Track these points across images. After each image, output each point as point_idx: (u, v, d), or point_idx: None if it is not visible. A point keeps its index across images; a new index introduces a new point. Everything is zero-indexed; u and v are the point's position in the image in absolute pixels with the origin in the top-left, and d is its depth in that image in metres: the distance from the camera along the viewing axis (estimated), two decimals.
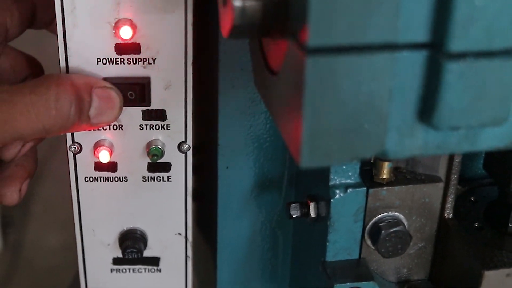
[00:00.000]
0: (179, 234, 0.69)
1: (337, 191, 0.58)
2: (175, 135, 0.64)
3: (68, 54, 0.60)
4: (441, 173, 0.60)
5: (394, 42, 0.41)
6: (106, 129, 0.63)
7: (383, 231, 0.59)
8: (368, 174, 0.59)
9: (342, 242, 0.60)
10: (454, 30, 0.40)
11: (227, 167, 0.67)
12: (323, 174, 0.59)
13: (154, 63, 0.60)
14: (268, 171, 0.69)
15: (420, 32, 0.41)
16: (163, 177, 0.66)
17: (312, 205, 0.61)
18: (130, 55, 0.60)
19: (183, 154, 0.65)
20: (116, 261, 0.72)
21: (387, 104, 0.43)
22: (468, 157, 0.65)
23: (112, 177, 0.66)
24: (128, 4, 0.57)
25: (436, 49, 0.41)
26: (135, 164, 0.65)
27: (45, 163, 3.02)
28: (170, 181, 0.66)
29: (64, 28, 0.59)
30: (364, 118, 0.43)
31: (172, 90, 0.61)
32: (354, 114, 0.42)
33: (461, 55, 0.41)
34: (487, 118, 0.45)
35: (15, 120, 0.56)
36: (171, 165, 0.66)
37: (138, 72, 0.60)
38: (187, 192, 0.67)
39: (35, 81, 0.58)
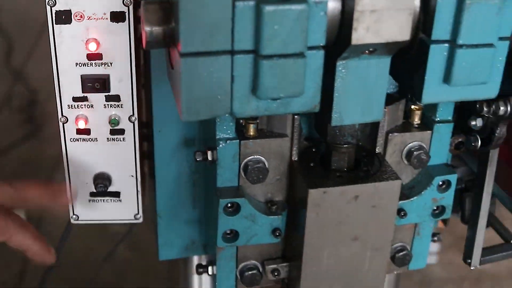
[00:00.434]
0: (132, 176, 0.90)
1: (221, 143, 0.80)
2: (126, 111, 0.83)
3: (57, 60, 0.81)
4: (288, 131, 0.82)
5: (232, 50, 0.64)
6: (83, 107, 0.85)
7: (249, 167, 0.81)
8: (241, 132, 0.81)
9: (227, 175, 0.81)
10: (264, 42, 0.63)
11: (159, 131, 0.89)
12: (213, 132, 0.81)
13: (111, 66, 0.80)
14: (187, 133, 0.91)
15: (247, 43, 0.64)
16: (120, 138, 0.85)
17: (209, 153, 0.82)
18: (96, 60, 0.80)
19: (132, 123, 0.84)
20: (92, 194, 0.89)
21: (230, 85, 0.66)
22: (311, 124, 0.87)
23: (87, 138, 0.85)
24: (94, 29, 0.79)
25: (256, 53, 0.64)
26: (101, 130, 0.84)
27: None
28: (124, 141, 0.87)
29: (55, 44, 0.80)
30: (217, 92, 0.66)
31: (123, 83, 0.83)
32: (211, 90, 0.65)
33: (270, 56, 0.64)
34: (290, 92, 0.67)
35: None
36: (124, 130, 0.85)
37: (101, 71, 0.80)
38: (135, 148, 0.87)
39: None
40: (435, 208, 0.88)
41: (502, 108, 0.81)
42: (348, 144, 0.80)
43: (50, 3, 0.76)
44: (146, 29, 0.65)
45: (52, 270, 1.17)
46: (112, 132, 0.86)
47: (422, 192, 0.86)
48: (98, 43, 0.79)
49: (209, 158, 0.82)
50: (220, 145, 0.79)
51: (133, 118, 0.85)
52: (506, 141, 0.88)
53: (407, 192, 0.87)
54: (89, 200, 0.91)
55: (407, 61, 0.73)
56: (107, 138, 0.87)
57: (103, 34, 0.79)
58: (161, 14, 0.65)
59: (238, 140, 0.80)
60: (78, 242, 2.14)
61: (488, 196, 0.90)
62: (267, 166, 0.82)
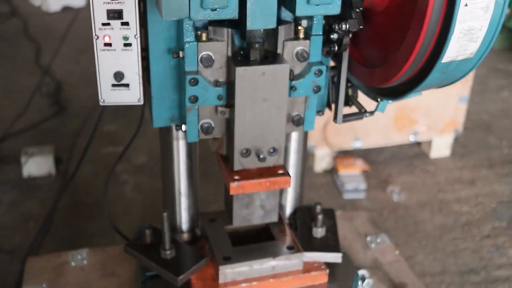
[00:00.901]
0: (136, 73, 1.28)
1: (187, 44, 1.19)
2: (133, 31, 1.21)
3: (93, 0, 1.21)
4: (225, 38, 1.23)
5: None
6: (107, 29, 1.23)
7: (203, 58, 1.21)
8: (199, 38, 1.21)
9: (190, 64, 1.19)
10: None
11: (152, 44, 1.29)
12: (182, 40, 1.20)
13: (124, 3, 1.22)
14: (168, 45, 1.27)
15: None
16: (129, 49, 1.23)
17: (180, 52, 1.18)
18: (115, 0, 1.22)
19: (136, 39, 1.18)
20: (112, 85, 1.24)
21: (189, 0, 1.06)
22: (240, 39, 1.26)
23: (110, 49, 1.21)
24: None
25: None
26: (118, 43, 1.21)
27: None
28: (132, 51, 1.25)
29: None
30: (181, 4, 1.06)
31: (131, 14, 1.21)
32: (178, 2, 1.06)
33: None
34: (220, 5, 1.08)
35: None
36: (131, 44, 1.20)
37: (118, 7, 1.20)
38: (138, 55, 1.22)
39: None
40: (314, 87, 1.29)
41: (343, 26, 1.22)
42: (258, 43, 1.20)
43: None
44: None
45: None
46: (125, 45, 1.23)
47: (306, 76, 1.27)
48: None
49: (180, 55, 1.22)
50: (186, 46, 1.20)
51: (137, 36, 1.23)
52: (353, 47, 1.29)
53: (297, 77, 1.28)
54: (111, 89, 1.29)
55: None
56: (121, 49, 1.24)
57: None
58: None
59: (196, 42, 1.20)
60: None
61: (344, 81, 1.31)
62: (213, 58, 1.22)
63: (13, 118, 3.67)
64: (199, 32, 1.20)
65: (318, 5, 1.13)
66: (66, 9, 5.55)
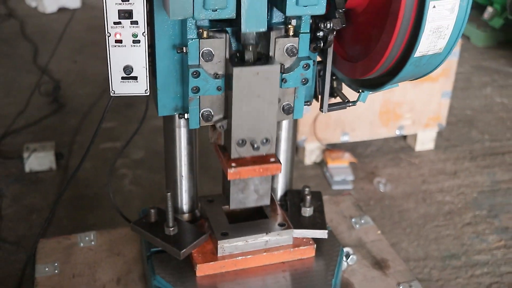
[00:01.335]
0: (143, 67, 1.44)
1: (190, 41, 1.37)
2: (141, 29, 1.36)
3: (106, 1, 1.37)
4: (223, 37, 1.40)
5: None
6: (118, 27, 1.39)
7: (204, 53, 1.37)
8: (200, 35, 1.38)
9: (193, 58, 1.35)
10: None
11: (159, 40, 1.45)
12: (186, 37, 1.36)
13: (133, 4, 1.38)
14: (173, 41, 1.44)
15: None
16: (137, 45, 1.38)
17: (184, 48, 1.35)
18: (126, 1, 1.38)
19: (144, 37, 1.36)
20: (122, 78, 1.38)
21: (192, 2, 1.23)
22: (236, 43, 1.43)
23: (121, 45, 1.36)
24: None
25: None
26: (128, 40, 1.37)
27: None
28: (140, 47, 1.41)
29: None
30: (186, 5, 1.22)
31: (140, 14, 1.38)
32: (184, 3, 1.22)
33: None
34: (220, 6, 1.25)
35: None
36: (140, 40, 1.34)
37: (128, 7, 1.36)
38: (146, 51, 1.39)
39: None
40: (303, 80, 1.45)
41: (328, 25, 1.38)
42: (252, 45, 1.37)
43: None
44: None
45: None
46: (134, 41, 1.39)
47: (295, 69, 1.43)
48: None
49: (184, 50, 1.38)
50: (189, 42, 1.36)
51: (144, 34, 1.39)
52: (338, 43, 1.45)
53: (287, 70, 1.44)
54: (121, 82, 1.44)
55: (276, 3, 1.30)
56: (131, 45, 1.39)
57: None
58: None
59: (198, 39, 1.36)
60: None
61: (329, 74, 1.48)
62: (213, 53, 1.39)
63: (14, 116, 3.82)
64: (200, 30, 1.36)
65: (306, 6, 1.30)
66: (62, 10, 5.69)
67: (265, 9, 1.30)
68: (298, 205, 1.69)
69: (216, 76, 1.40)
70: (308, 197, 1.66)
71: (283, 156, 1.73)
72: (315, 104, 1.64)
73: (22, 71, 4.48)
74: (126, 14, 1.37)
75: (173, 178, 1.68)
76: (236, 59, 1.39)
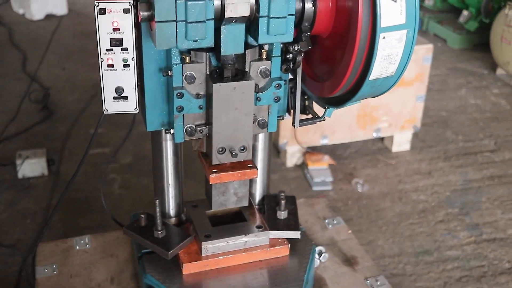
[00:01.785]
0: (133, 88, 1.65)
1: (174, 65, 1.55)
2: (130, 55, 1.58)
3: (99, 31, 1.56)
4: (204, 61, 1.60)
5: (176, 20, 1.41)
6: (110, 53, 1.59)
7: (187, 76, 1.57)
8: (183, 60, 1.57)
9: (177, 80, 1.55)
10: (188, 17, 1.40)
11: (146, 64, 1.64)
12: (170, 61, 1.57)
13: (123, 33, 1.58)
14: (159, 65, 1.64)
15: (181, 17, 1.41)
16: (127, 69, 1.61)
17: (169, 72, 1.58)
18: (117, 31, 1.57)
19: (133, 61, 1.56)
20: (114, 97, 1.58)
21: (176, 35, 1.42)
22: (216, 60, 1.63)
23: (112, 68, 1.56)
24: (116, 16, 1.55)
25: (185, 21, 1.42)
26: (119, 64, 1.57)
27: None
28: (130, 70, 1.63)
29: (98, 23, 1.55)
30: (170, 37, 1.42)
31: (129, 41, 1.58)
32: (168, 36, 1.42)
33: (190, 22, 1.42)
34: (200, 37, 1.45)
35: None
36: (129, 65, 1.55)
37: (119, 36, 1.57)
38: (135, 74, 1.61)
39: None
40: (275, 98, 1.65)
41: (296, 47, 1.58)
42: (230, 64, 1.57)
43: (95, 4, 1.52)
44: (141, 9, 1.41)
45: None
46: (124, 65, 1.57)
47: (268, 89, 1.63)
48: (118, 23, 1.53)
49: (169, 74, 1.58)
50: (174, 67, 1.55)
51: (133, 59, 1.56)
52: (307, 65, 1.66)
53: (261, 90, 1.64)
54: (113, 101, 1.63)
55: (251, 24, 1.51)
56: (122, 69, 1.57)
57: (120, 19, 1.52)
58: (147, 6, 1.41)
59: (181, 64, 1.56)
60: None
61: (299, 91, 1.68)
62: (195, 76, 1.58)
63: (5, 123, 3.99)
64: (183, 56, 1.55)
65: (276, 35, 1.50)
66: (49, 16, 5.86)
67: (243, 35, 1.50)
68: (274, 209, 1.89)
69: (198, 96, 1.60)
70: (283, 202, 1.87)
71: (260, 164, 1.93)
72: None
73: (12, 79, 4.64)
74: (117, 42, 1.56)
75: (161, 186, 1.87)
76: (216, 75, 1.59)
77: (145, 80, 1.63)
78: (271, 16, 1.47)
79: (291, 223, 1.86)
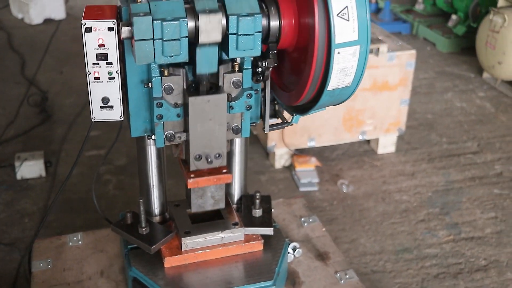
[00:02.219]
0: (118, 98, 1.85)
1: (154, 78, 1.75)
2: (115, 68, 1.78)
3: (86, 48, 1.76)
4: (181, 73, 1.79)
5: (153, 38, 1.61)
6: (96, 67, 1.79)
7: (165, 87, 1.77)
8: (163, 73, 1.77)
9: (156, 91, 1.77)
10: (164, 36, 1.61)
11: (130, 77, 1.85)
12: (151, 74, 1.77)
13: (108, 49, 1.77)
14: (140, 78, 1.85)
15: (158, 35, 1.61)
16: (112, 80, 1.81)
17: (150, 83, 1.78)
18: (102, 47, 1.77)
19: (118, 74, 1.78)
20: (101, 107, 1.80)
21: (153, 52, 1.62)
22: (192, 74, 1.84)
23: (99, 81, 1.79)
24: (101, 34, 1.75)
25: (162, 39, 1.62)
26: (104, 76, 1.78)
27: None
28: (114, 82, 1.82)
29: (85, 40, 1.75)
30: (148, 54, 1.62)
31: (114, 56, 1.78)
32: (146, 53, 1.62)
33: (166, 40, 1.62)
34: (175, 53, 1.65)
35: None
36: (114, 77, 1.76)
37: (104, 51, 1.77)
38: (119, 86, 1.81)
39: None
40: (247, 106, 1.84)
41: (264, 63, 1.77)
42: (204, 80, 1.76)
43: (83, 23, 1.71)
44: (123, 29, 1.62)
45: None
46: (109, 78, 1.76)
47: (240, 98, 1.82)
48: (103, 40, 1.73)
49: (150, 85, 1.77)
50: (153, 79, 1.75)
51: (118, 72, 1.77)
52: (277, 76, 1.85)
53: (234, 99, 1.83)
54: (100, 110, 1.83)
55: (223, 41, 1.70)
56: (107, 81, 1.77)
57: (105, 36, 1.72)
58: (128, 26, 1.61)
59: (160, 77, 1.76)
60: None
61: (268, 100, 1.87)
62: (173, 87, 1.78)
63: (4, 126, 4.20)
64: (162, 69, 1.75)
65: (244, 50, 1.69)
66: (47, 21, 6.07)
67: (216, 56, 1.70)
68: (249, 208, 2.09)
69: (176, 105, 1.80)
70: (258, 201, 2.07)
71: (237, 167, 2.13)
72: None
73: (11, 83, 4.86)
74: (103, 57, 1.76)
75: (146, 187, 2.08)
76: (192, 89, 1.79)
77: (129, 91, 1.83)
78: (239, 33, 1.66)
79: (265, 221, 2.06)
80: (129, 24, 1.62)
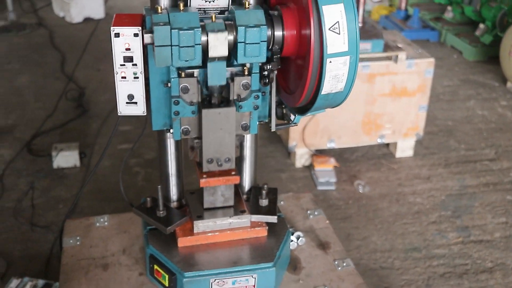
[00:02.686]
0: (141, 95, 2.15)
1: (173, 79, 2.06)
2: (140, 69, 2.10)
3: (115, 51, 2.07)
4: (195, 76, 2.10)
5: (171, 44, 1.92)
6: (123, 68, 2.10)
7: (183, 87, 2.08)
8: (180, 75, 2.07)
9: (175, 90, 2.08)
10: (181, 43, 1.91)
11: (153, 77, 2.15)
12: (170, 76, 2.07)
13: (134, 52, 2.08)
14: (161, 78, 2.15)
15: (175, 42, 1.92)
16: (137, 79, 2.11)
17: (169, 83, 2.08)
18: (128, 50, 2.08)
19: (142, 74, 2.10)
20: (127, 103, 2.12)
21: (171, 57, 1.93)
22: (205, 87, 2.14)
23: (125, 80, 2.11)
24: (128, 39, 2.06)
25: (178, 46, 1.93)
26: (130, 76, 2.09)
27: None
28: (139, 81, 2.13)
29: (113, 44, 2.06)
30: (167, 57, 1.93)
31: (139, 59, 2.08)
32: (165, 57, 1.92)
33: (182, 47, 1.92)
34: (190, 58, 1.95)
35: None
36: (139, 77, 2.09)
37: (130, 54, 2.08)
38: (143, 84, 2.11)
39: None
40: (254, 106, 2.13)
41: (269, 67, 2.06)
42: (218, 93, 2.06)
43: (112, 29, 2.03)
44: (145, 36, 1.93)
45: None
46: (134, 78, 2.08)
47: (248, 99, 2.11)
48: (129, 44, 2.05)
49: (169, 85, 2.08)
50: (172, 80, 2.06)
51: (142, 72, 2.08)
52: (282, 79, 2.14)
53: (243, 99, 2.12)
54: (125, 105, 2.15)
55: (233, 48, 2.00)
56: (132, 80, 2.09)
57: (131, 41, 2.04)
58: (151, 33, 1.92)
59: (178, 78, 2.06)
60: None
61: (274, 101, 2.16)
62: (189, 88, 2.08)
63: (43, 119, 4.59)
64: (180, 71, 2.05)
65: (251, 56, 1.99)
66: (87, 20, 6.48)
67: (225, 70, 2.01)
68: (257, 198, 2.38)
69: (191, 103, 2.10)
70: (264, 192, 2.36)
71: (248, 160, 2.42)
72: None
73: (51, 78, 5.25)
74: (129, 59, 2.07)
75: (165, 175, 2.39)
76: (205, 102, 2.10)
77: (151, 89, 2.14)
78: (247, 42, 1.95)
79: (270, 210, 2.34)
80: (151, 31, 1.93)
